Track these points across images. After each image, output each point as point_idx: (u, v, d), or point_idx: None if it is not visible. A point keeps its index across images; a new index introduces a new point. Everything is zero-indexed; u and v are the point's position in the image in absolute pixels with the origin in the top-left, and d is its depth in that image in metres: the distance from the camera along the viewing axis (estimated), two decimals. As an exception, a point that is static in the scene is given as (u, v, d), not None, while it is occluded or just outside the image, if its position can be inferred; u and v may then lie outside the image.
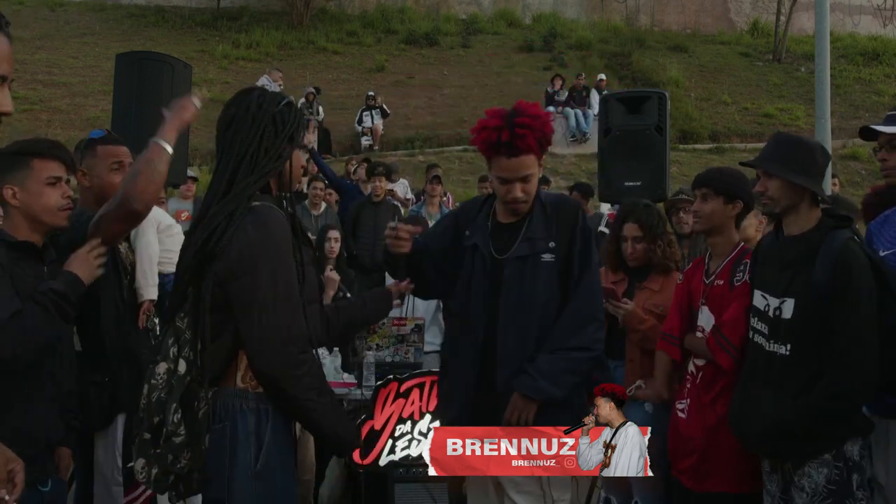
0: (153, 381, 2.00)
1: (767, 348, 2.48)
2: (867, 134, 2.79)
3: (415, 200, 9.07)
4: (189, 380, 1.98)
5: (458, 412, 2.58)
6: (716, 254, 2.90)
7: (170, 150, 2.30)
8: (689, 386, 2.88)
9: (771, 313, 2.47)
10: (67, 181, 2.35)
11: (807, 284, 2.38)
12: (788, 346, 2.41)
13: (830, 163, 3.08)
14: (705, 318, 2.87)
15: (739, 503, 2.69)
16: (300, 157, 2.19)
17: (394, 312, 2.89)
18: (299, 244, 2.09)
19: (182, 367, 1.98)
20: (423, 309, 4.58)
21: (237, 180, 2.02)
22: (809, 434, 2.35)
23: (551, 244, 2.55)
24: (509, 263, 2.56)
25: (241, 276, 1.95)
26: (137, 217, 2.41)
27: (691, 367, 2.90)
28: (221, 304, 1.97)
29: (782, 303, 2.44)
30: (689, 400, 2.85)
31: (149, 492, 2.69)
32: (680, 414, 2.87)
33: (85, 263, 2.25)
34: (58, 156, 2.32)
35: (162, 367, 1.99)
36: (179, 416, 1.95)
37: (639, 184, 4.86)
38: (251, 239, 1.97)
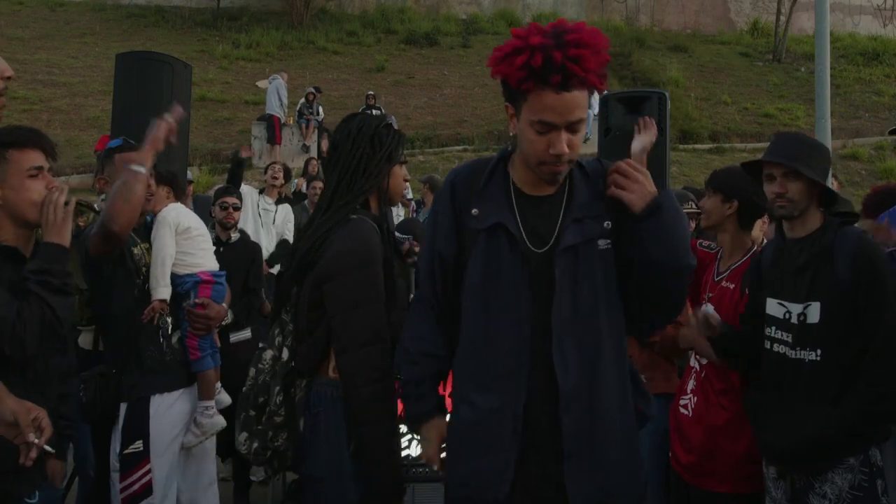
0: (260, 366, 2.26)
1: (792, 356, 2.38)
2: None
3: (415, 208, 9.15)
4: (291, 366, 2.21)
5: (500, 481, 1.77)
6: (725, 253, 2.90)
7: (144, 171, 2.55)
8: (693, 382, 2.85)
9: (794, 320, 2.38)
10: (50, 170, 2.17)
11: (830, 285, 2.31)
12: (819, 352, 2.32)
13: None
14: (710, 312, 2.85)
15: (739, 503, 2.68)
16: (399, 173, 2.36)
17: None
18: (390, 256, 2.23)
19: (286, 354, 2.23)
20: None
21: (336, 198, 2.23)
22: (853, 440, 2.28)
23: (606, 224, 1.78)
24: (560, 258, 1.76)
25: (334, 277, 2.13)
26: (115, 237, 2.54)
27: (694, 363, 2.87)
28: (318, 303, 2.16)
29: (806, 307, 2.35)
30: (694, 397, 2.82)
31: (145, 480, 2.72)
32: (683, 411, 2.84)
33: (56, 227, 2.09)
34: (37, 144, 2.14)
35: (268, 354, 2.26)
36: (281, 398, 2.20)
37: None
38: (345, 245, 2.15)
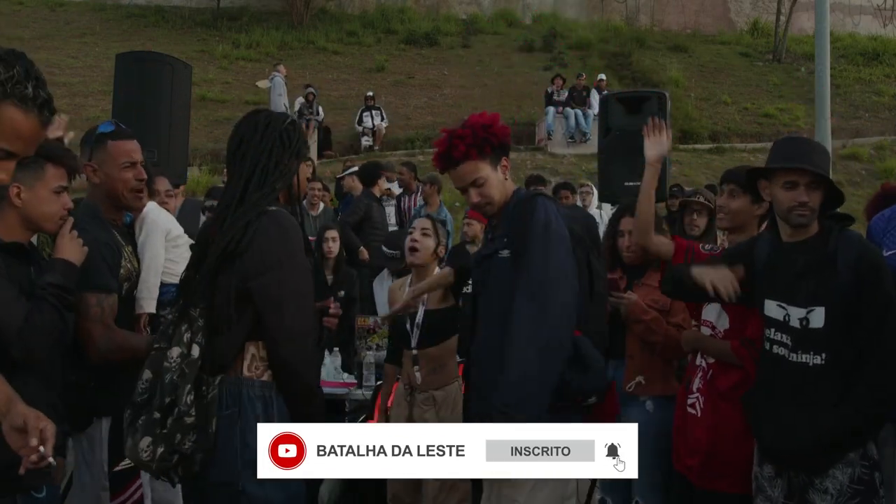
0: (166, 364, 2.10)
1: (793, 359, 2.39)
2: None
3: (400, 203, 9.01)
4: (201, 364, 2.10)
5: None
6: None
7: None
8: (699, 382, 2.83)
9: (796, 324, 2.39)
10: (67, 190, 2.32)
11: (834, 290, 2.32)
12: (823, 356, 2.34)
13: (831, 163, 3.09)
14: (715, 314, 2.84)
15: (743, 502, 2.67)
16: (306, 170, 2.39)
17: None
18: (305, 252, 2.25)
19: (195, 351, 2.09)
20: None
21: (248, 193, 2.17)
22: (854, 440, 2.31)
23: (505, 239, 2.55)
24: (477, 264, 2.69)
25: (266, 273, 2.10)
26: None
27: (701, 362, 2.85)
28: (244, 298, 2.11)
29: (810, 312, 2.36)
30: (701, 396, 2.80)
31: (137, 496, 2.66)
32: (690, 410, 2.82)
33: (72, 245, 2.24)
34: (68, 164, 2.29)
35: (175, 352, 2.10)
36: (192, 397, 2.06)
37: (639, 184, 4.85)
38: (272, 238, 2.12)
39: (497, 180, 2.58)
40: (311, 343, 2.19)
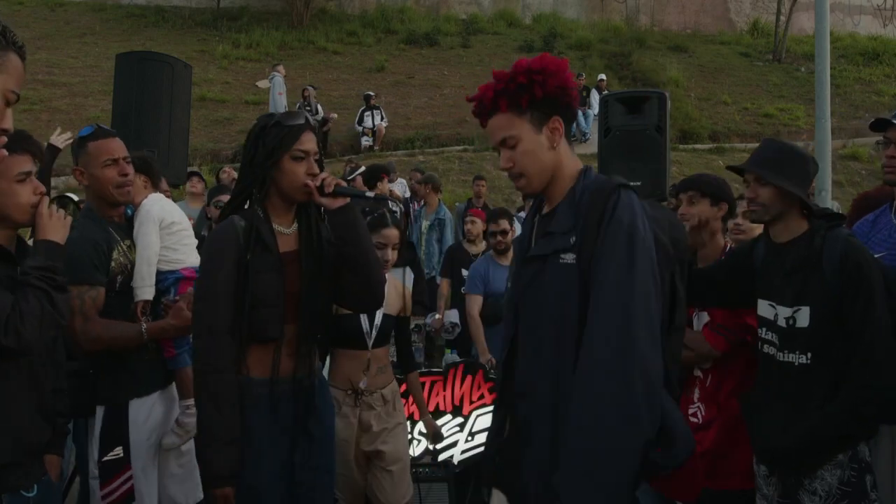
0: None
1: (780, 358, 2.42)
2: (880, 126, 2.76)
3: (408, 208, 9.02)
4: None
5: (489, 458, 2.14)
6: (702, 257, 2.89)
7: None
8: (698, 391, 2.84)
9: (783, 323, 2.42)
10: (35, 173, 2.23)
11: (819, 289, 2.34)
12: (809, 355, 2.36)
13: (830, 163, 3.08)
14: (704, 321, 2.86)
15: (742, 500, 2.67)
16: (290, 167, 2.33)
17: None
18: (251, 252, 2.29)
19: None
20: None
21: (230, 200, 2.46)
22: (841, 440, 2.31)
23: (572, 240, 1.88)
24: (527, 267, 1.99)
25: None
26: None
27: (698, 374, 2.87)
28: None
29: (796, 311, 2.39)
30: (702, 405, 2.81)
31: (127, 486, 2.65)
32: (692, 419, 2.82)
33: (51, 224, 2.16)
34: (27, 149, 2.19)
35: None
36: None
37: (639, 184, 4.86)
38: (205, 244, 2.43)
39: (538, 146, 1.95)
40: (202, 346, 2.27)
